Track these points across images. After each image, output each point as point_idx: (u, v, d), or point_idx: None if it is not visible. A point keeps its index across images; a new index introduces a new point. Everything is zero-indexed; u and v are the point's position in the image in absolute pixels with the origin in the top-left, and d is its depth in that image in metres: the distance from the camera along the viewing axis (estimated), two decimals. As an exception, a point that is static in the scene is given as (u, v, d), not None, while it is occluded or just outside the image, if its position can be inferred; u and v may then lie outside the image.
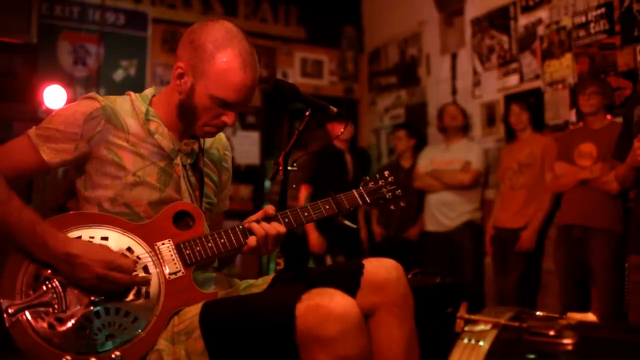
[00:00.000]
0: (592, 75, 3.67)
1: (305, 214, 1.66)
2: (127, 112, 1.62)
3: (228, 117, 1.62)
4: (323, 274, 1.70)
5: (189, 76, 1.58)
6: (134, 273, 1.50)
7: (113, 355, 1.41)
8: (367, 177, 1.79)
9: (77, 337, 1.41)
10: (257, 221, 1.62)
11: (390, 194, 1.77)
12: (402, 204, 1.79)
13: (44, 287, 1.44)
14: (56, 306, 1.42)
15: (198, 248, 1.56)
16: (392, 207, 1.79)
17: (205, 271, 1.69)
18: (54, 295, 1.43)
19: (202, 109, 1.59)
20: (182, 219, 1.60)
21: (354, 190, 1.75)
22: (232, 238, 1.60)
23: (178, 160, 1.64)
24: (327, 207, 1.69)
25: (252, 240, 1.59)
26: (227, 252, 1.62)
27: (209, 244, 1.57)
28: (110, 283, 1.45)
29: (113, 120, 1.59)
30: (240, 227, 1.61)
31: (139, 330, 1.46)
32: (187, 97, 1.60)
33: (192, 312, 1.49)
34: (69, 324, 1.42)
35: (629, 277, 2.24)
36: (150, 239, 1.55)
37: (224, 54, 1.55)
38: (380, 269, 1.59)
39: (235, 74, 1.56)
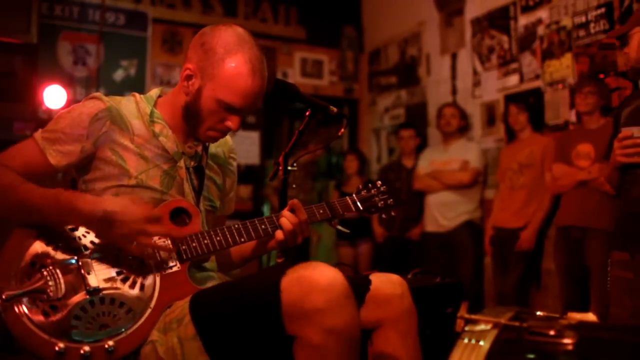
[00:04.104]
0: (590, 75, 3.67)
1: None
2: (132, 113, 1.63)
3: (232, 122, 1.63)
4: None
5: (197, 78, 1.59)
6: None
7: (106, 345, 1.41)
8: (360, 186, 1.85)
9: (71, 326, 1.41)
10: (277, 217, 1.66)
11: (382, 202, 1.82)
12: (393, 213, 1.85)
13: (40, 274, 1.43)
14: (51, 294, 1.41)
15: (194, 244, 1.57)
16: (383, 215, 1.84)
17: (204, 271, 1.70)
18: (50, 283, 1.42)
19: (207, 112, 1.60)
20: (178, 215, 1.61)
21: (348, 198, 1.80)
22: (228, 236, 1.61)
23: (182, 163, 1.65)
24: (321, 211, 1.73)
25: (279, 234, 1.64)
26: (223, 249, 1.63)
27: (205, 241, 1.59)
28: (150, 235, 1.45)
29: (118, 122, 1.59)
30: (236, 225, 1.63)
31: (133, 322, 1.46)
32: (193, 99, 1.61)
33: (183, 301, 1.50)
34: (63, 312, 1.41)
35: (610, 272, 2.26)
36: None
37: (233, 59, 1.57)
38: (386, 284, 1.59)
39: (244, 80, 1.57)
